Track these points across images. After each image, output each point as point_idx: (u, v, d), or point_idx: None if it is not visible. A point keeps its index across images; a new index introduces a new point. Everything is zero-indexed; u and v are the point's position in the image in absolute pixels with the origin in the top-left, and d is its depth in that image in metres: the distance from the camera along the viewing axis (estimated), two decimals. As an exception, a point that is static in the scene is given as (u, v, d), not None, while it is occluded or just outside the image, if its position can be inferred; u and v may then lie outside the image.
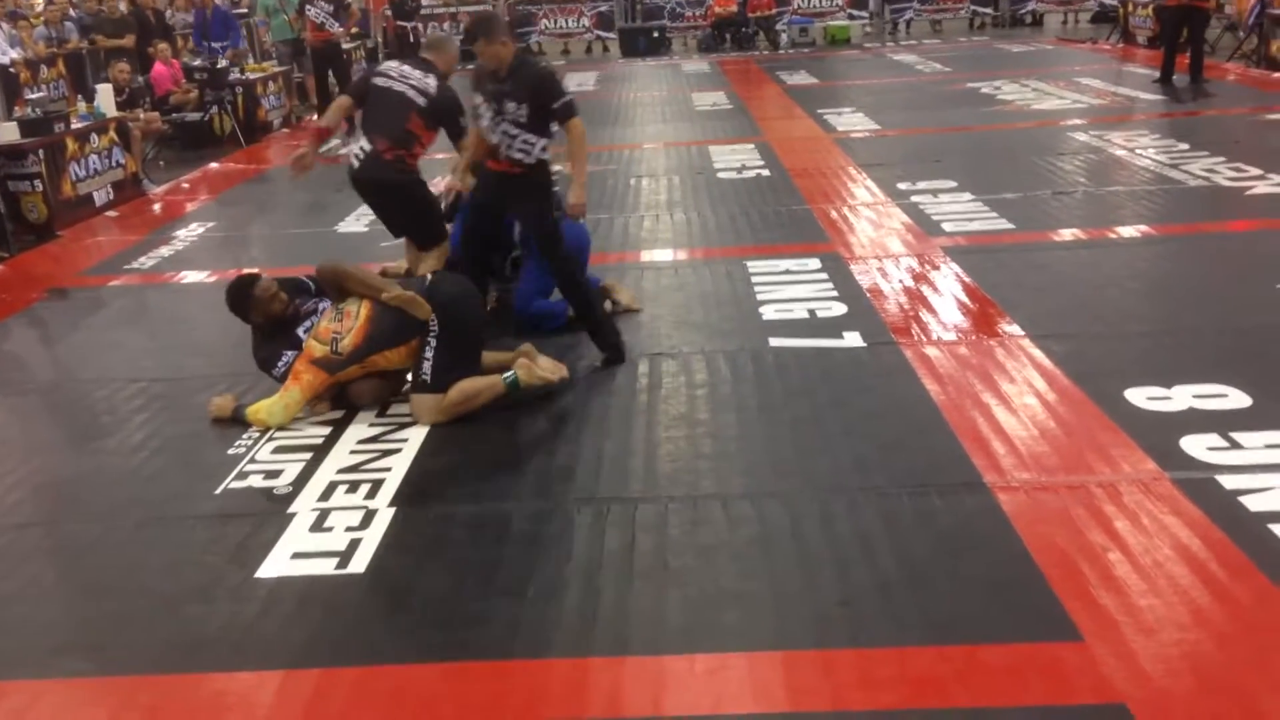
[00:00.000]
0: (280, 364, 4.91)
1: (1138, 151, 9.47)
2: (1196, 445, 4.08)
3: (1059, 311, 5.67)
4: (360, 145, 5.83)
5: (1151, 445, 4.10)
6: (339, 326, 4.79)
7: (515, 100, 5.11)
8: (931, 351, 5.22)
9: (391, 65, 6.15)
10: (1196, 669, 2.90)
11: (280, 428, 4.71)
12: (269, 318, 5.00)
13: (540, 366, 4.86)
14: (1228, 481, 3.82)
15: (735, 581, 3.43)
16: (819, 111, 12.75)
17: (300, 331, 4.96)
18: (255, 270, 5.22)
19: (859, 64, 18.37)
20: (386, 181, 5.82)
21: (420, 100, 5.79)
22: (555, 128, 5.22)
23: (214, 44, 14.77)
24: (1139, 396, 4.52)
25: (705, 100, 14.42)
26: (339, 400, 4.90)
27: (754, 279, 6.46)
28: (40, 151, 8.71)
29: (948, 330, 5.51)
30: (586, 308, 5.40)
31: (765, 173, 9.56)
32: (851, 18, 21.97)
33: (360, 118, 5.94)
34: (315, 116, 13.91)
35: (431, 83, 5.85)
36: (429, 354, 4.70)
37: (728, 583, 3.43)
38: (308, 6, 13.38)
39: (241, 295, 5.02)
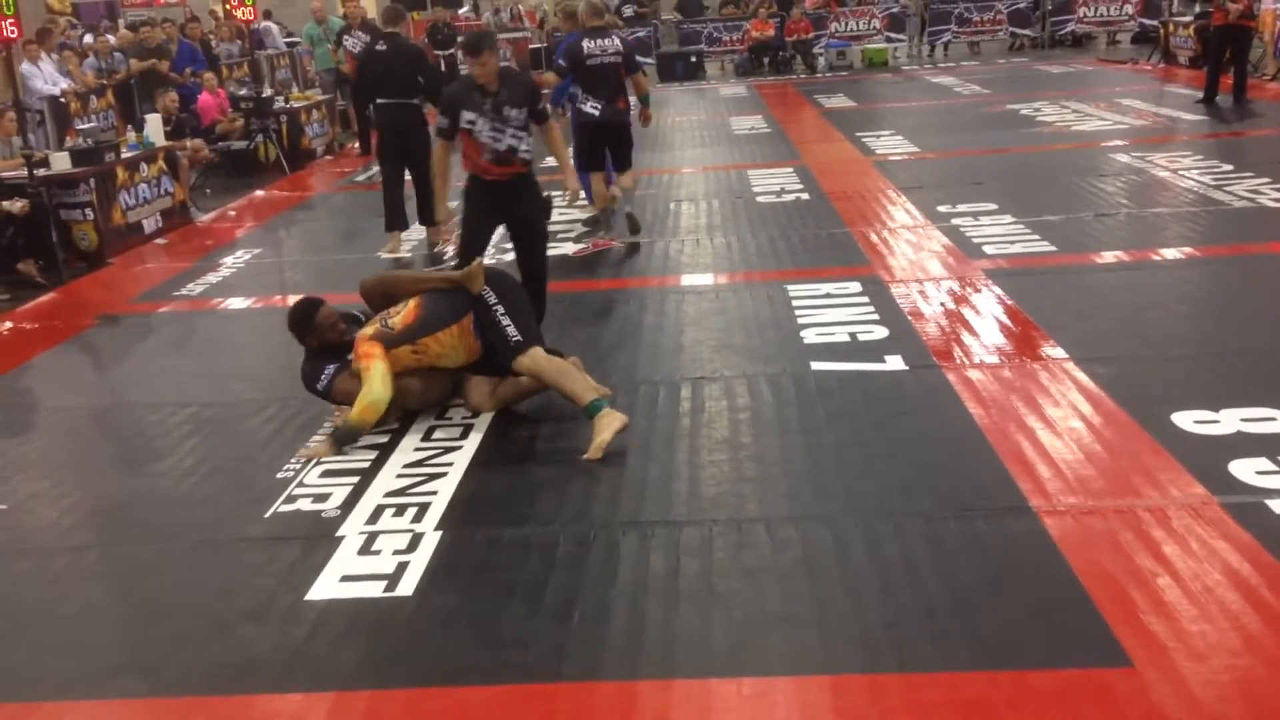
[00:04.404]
0: (323, 377, 5.01)
1: (1181, 173, 9.41)
2: (1245, 469, 4.05)
3: (1103, 334, 5.65)
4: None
5: (1200, 469, 4.07)
6: (389, 308, 4.97)
7: (515, 105, 5.54)
8: (974, 375, 5.21)
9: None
10: (1248, 695, 2.87)
11: (368, 423, 4.77)
12: (324, 344, 5.10)
13: (591, 384, 4.87)
14: (1278, 506, 3.78)
15: (781, 605, 3.44)
16: (857, 134, 12.76)
17: (349, 357, 5.03)
18: (318, 296, 5.31)
19: (897, 86, 18.37)
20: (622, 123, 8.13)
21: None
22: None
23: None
24: (1186, 420, 4.49)
25: (743, 124, 14.46)
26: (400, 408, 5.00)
27: (794, 302, 6.47)
28: (91, 181, 8.87)
29: (990, 353, 5.50)
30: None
31: (804, 196, 9.58)
32: (889, 40, 21.97)
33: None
34: (356, 145, 14.09)
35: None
36: (504, 319, 4.84)
37: (773, 606, 3.44)
38: (345, 37, 13.56)
39: (305, 317, 5.14)
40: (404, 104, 8.49)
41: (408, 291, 5.03)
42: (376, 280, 5.18)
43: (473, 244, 5.78)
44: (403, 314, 4.89)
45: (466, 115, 5.42)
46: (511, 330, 4.82)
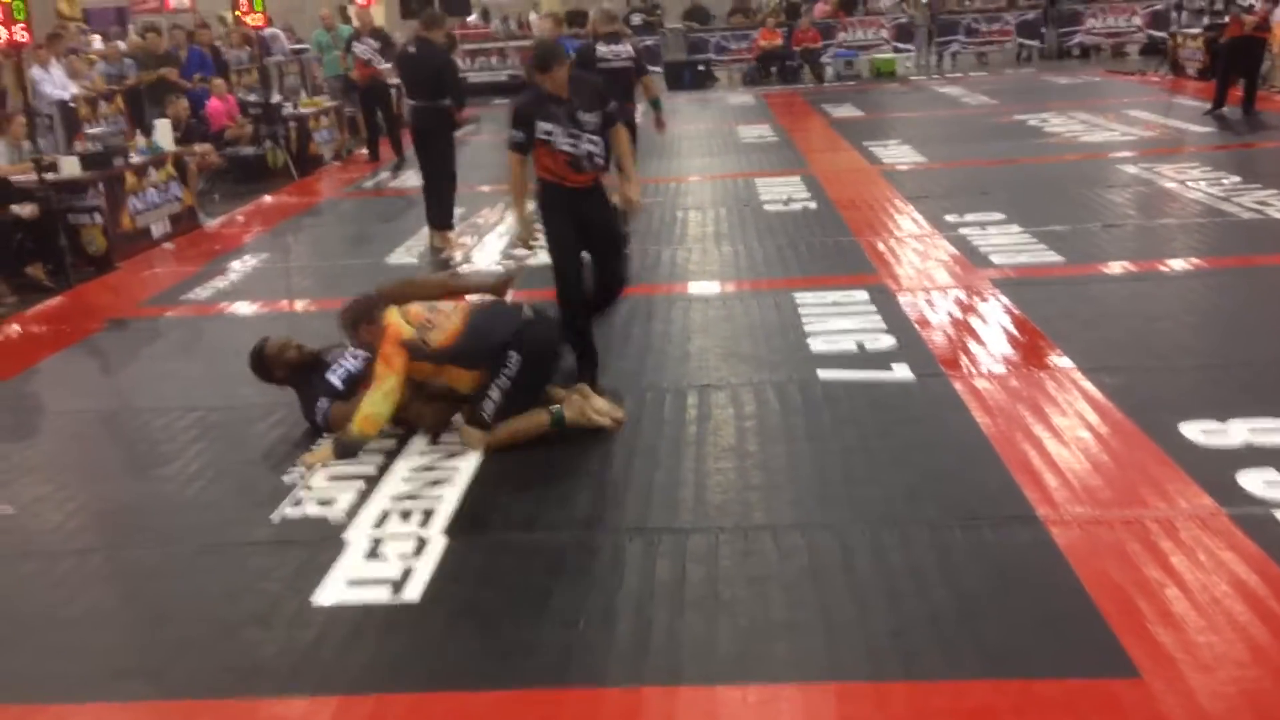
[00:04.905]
0: (318, 411, 5.04)
1: (1189, 184, 9.40)
2: (1254, 480, 4.04)
3: (1110, 344, 5.64)
4: None
5: (1207, 480, 4.06)
6: (432, 316, 4.85)
7: (587, 110, 5.35)
8: (981, 384, 5.20)
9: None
10: (1256, 706, 2.86)
11: (386, 421, 4.76)
12: (291, 367, 5.21)
13: (594, 408, 4.89)
14: (1286, 517, 3.77)
15: (786, 612, 3.44)
16: (865, 144, 12.76)
17: (330, 375, 5.10)
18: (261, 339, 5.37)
19: (905, 96, 18.38)
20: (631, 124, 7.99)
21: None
22: None
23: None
24: (1194, 430, 4.48)
25: (751, 133, 14.48)
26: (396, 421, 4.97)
27: (801, 311, 6.47)
28: (100, 185, 8.90)
29: (997, 363, 5.50)
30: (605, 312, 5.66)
31: (811, 205, 9.58)
32: (897, 50, 21.99)
33: None
34: (365, 150, 14.13)
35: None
36: (494, 395, 4.73)
37: (779, 613, 3.43)
38: (355, 44, 13.61)
39: (258, 361, 5.28)
40: (426, 106, 8.70)
41: (434, 296, 5.03)
42: (400, 283, 5.24)
43: (564, 257, 5.52)
44: (445, 334, 4.79)
45: (543, 126, 5.31)
46: (488, 408, 4.73)
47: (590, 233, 5.50)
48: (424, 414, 4.98)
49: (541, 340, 4.93)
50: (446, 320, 4.86)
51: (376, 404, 4.72)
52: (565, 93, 5.35)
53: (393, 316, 4.84)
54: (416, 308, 4.91)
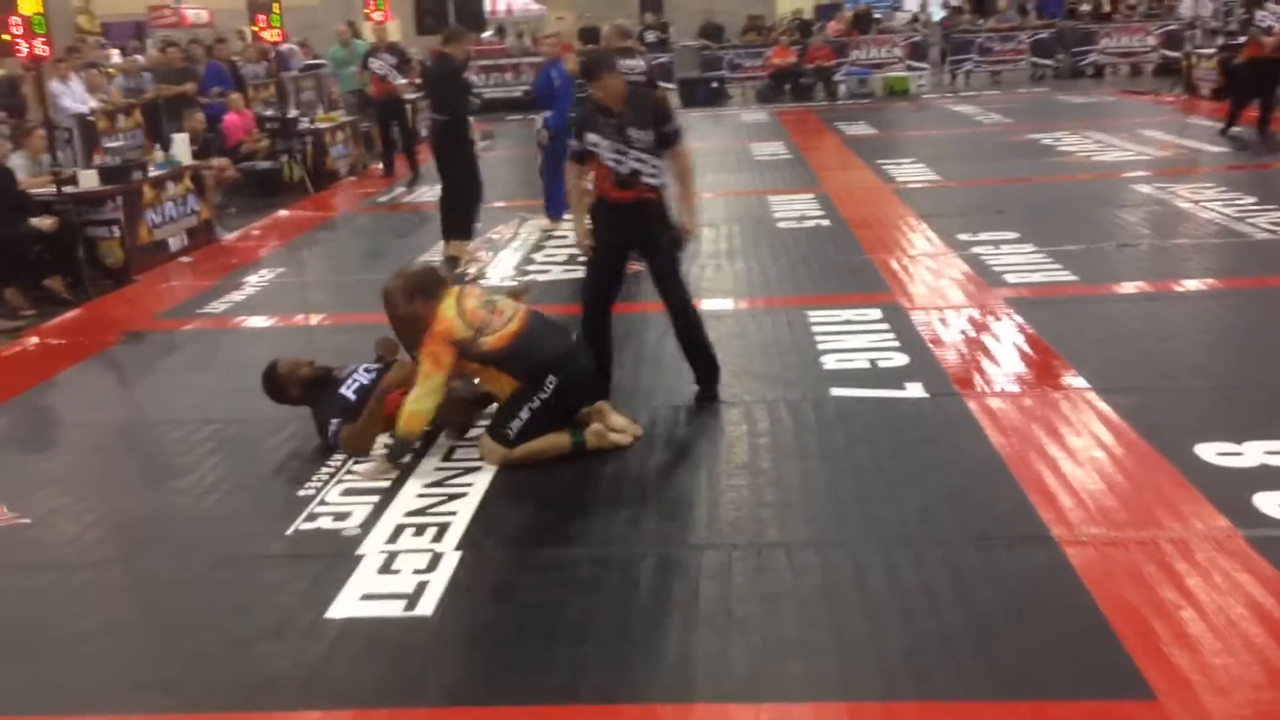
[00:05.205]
0: (331, 430, 5.05)
1: (1203, 204, 9.38)
2: (1270, 502, 4.03)
3: (1125, 364, 5.63)
4: None
5: (1223, 502, 4.05)
6: (488, 316, 4.82)
7: (639, 127, 5.22)
8: (995, 403, 5.20)
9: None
10: (1272, 730, 2.85)
11: (425, 422, 4.79)
12: (304, 384, 5.24)
13: (612, 426, 4.90)
14: (1302, 539, 3.76)
15: (799, 630, 3.44)
16: (878, 162, 12.78)
17: (344, 390, 5.13)
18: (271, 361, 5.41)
19: (918, 115, 18.41)
20: None
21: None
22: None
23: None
24: (1209, 452, 4.47)
25: (764, 150, 14.51)
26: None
27: (814, 328, 6.48)
28: (118, 198, 8.96)
29: (1011, 382, 5.49)
30: (699, 330, 5.46)
31: (825, 222, 9.59)
32: (911, 69, 22.03)
33: None
34: (380, 165, 14.20)
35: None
36: (524, 414, 4.73)
37: (792, 631, 3.44)
38: (371, 59, 13.70)
39: (271, 382, 5.30)
40: (440, 120, 8.89)
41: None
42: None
43: (594, 267, 5.53)
44: (499, 338, 4.77)
45: (590, 138, 5.28)
46: (514, 426, 4.73)
47: (639, 251, 5.43)
48: (452, 419, 4.99)
49: (583, 371, 4.94)
50: (504, 324, 4.83)
51: (421, 401, 4.72)
52: (617, 105, 5.25)
53: (448, 311, 4.78)
54: (473, 305, 4.86)
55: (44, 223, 8.17)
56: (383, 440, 4.95)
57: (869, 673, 3.20)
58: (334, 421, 5.05)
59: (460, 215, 9.00)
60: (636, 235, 5.38)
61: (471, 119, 9.18)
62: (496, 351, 4.76)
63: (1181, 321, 6.38)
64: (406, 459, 4.81)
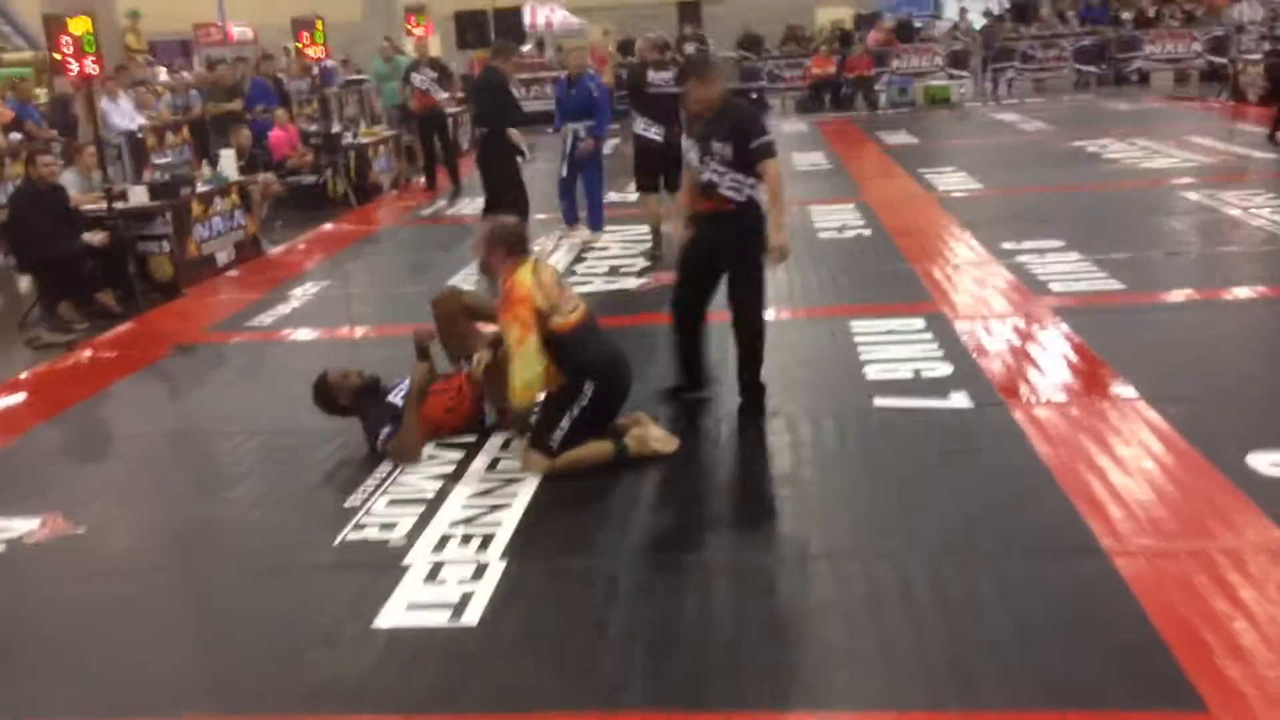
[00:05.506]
0: (382, 436, 5.11)
1: (1252, 211, 9.25)
2: (1324, 512, 3.97)
3: (1174, 373, 5.57)
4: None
5: (1276, 512, 3.99)
6: (562, 300, 4.84)
7: (720, 139, 5.19)
8: (1041, 413, 5.15)
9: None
10: (1329, 743, 2.81)
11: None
12: (354, 393, 5.30)
13: (652, 436, 4.92)
14: (1357, 550, 3.70)
15: (845, 640, 3.43)
16: (919, 171, 12.72)
17: (392, 396, 5.22)
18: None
19: (960, 123, 18.31)
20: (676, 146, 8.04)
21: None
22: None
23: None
24: (1262, 462, 4.41)
25: (804, 160, 14.48)
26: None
27: (857, 338, 6.46)
28: (168, 214, 9.10)
29: (1058, 391, 5.45)
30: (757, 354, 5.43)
31: (866, 232, 9.56)
32: (951, 77, 21.90)
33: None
34: (423, 179, 14.33)
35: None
36: (565, 423, 4.77)
37: (837, 642, 3.43)
38: (413, 74, 13.84)
39: (322, 391, 5.36)
40: (484, 132, 9.13)
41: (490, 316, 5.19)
42: (452, 293, 5.51)
43: (679, 272, 5.56)
44: (566, 322, 4.80)
45: (685, 143, 5.34)
46: (556, 436, 4.76)
47: (719, 262, 5.38)
48: (496, 389, 5.11)
49: (621, 381, 4.97)
50: (572, 310, 4.87)
51: (529, 368, 4.74)
52: (706, 113, 5.24)
53: (525, 279, 4.79)
54: (549, 279, 4.88)
55: (95, 238, 8.32)
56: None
57: (915, 682, 3.19)
58: (384, 430, 5.10)
59: None
60: (714, 245, 5.35)
61: (516, 131, 9.28)
62: (559, 335, 4.79)
63: (1232, 329, 6.30)
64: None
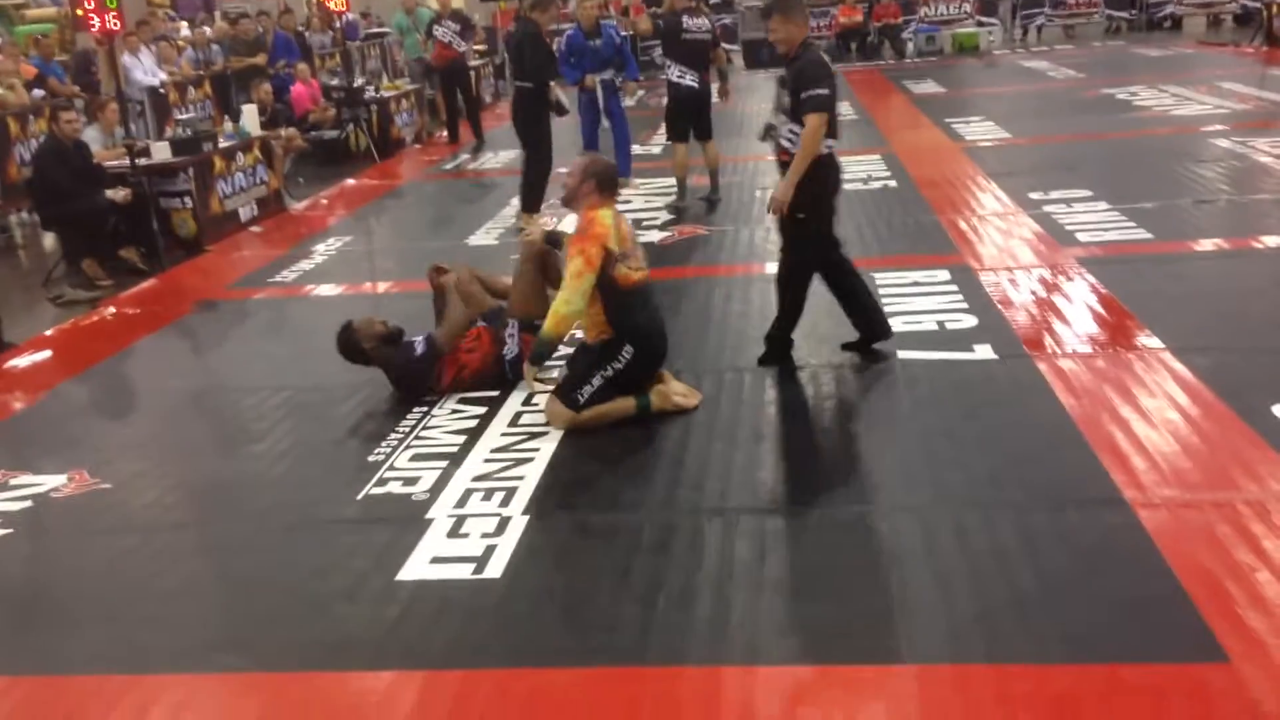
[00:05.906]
0: (418, 351, 5.26)
1: (1285, 157, 9.10)
2: (1352, 463, 3.92)
3: (1201, 324, 5.50)
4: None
5: (1303, 463, 3.95)
6: (633, 253, 4.85)
7: (784, 87, 5.18)
8: (1066, 364, 5.11)
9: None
10: (1353, 695, 2.79)
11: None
12: (378, 339, 5.34)
13: (674, 391, 4.91)
14: (1386, 502, 3.66)
15: (867, 594, 3.42)
16: (947, 120, 12.56)
17: (414, 339, 5.35)
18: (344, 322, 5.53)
19: (988, 72, 18.05)
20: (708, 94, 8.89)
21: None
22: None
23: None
24: (1288, 412, 4.36)
25: (830, 111, 14.30)
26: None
27: (881, 290, 6.39)
28: (190, 170, 9.11)
29: (1083, 343, 5.40)
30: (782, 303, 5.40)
31: (892, 183, 9.47)
32: (980, 25, 21.55)
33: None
34: (445, 133, 14.26)
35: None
36: (596, 381, 4.77)
37: (859, 595, 3.42)
38: (435, 26, 13.74)
39: (346, 339, 5.39)
40: (520, 86, 9.01)
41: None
42: (470, 274, 5.57)
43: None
44: (629, 273, 4.79)
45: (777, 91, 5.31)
46: (585, 391, 4.75)
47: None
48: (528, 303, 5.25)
49: (658, 355, 4.97)
50: (637, 268, 4.86)
51: (573, 303, 4.71)
52: (788, 54, 5.14)
53: (606, 219, 4.79)
54: (627, 231, 4.89)
55: (118, 194, 8.33)
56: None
57: (938, 636, 3.18)
58: (419, 344, 5.28)
59: (529, 186, 8.98)
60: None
61: (554, 84, 9.14)
62: (620, 287, 4.77)
63: (1261, 280, 6.21)
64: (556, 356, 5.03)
